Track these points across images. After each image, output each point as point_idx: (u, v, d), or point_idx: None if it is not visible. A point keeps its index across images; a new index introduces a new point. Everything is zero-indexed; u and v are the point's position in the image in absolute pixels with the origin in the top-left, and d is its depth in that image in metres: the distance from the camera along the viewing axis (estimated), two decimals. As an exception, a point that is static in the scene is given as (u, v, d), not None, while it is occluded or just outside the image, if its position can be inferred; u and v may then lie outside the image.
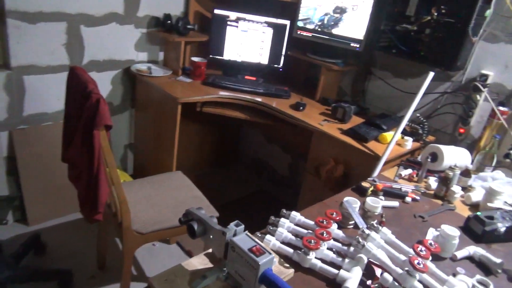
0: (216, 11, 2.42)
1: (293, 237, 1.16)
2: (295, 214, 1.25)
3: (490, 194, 1.51)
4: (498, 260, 1.21)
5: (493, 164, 1.74)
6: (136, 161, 2.71)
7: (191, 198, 1.87)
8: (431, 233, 1.29)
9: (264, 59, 2.51)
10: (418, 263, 1.01)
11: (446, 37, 1.85)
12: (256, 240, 0.96)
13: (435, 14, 1.85)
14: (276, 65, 2.53)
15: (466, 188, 1.63)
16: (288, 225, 1.21)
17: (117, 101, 2.46)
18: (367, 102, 2.38)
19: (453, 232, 1.23)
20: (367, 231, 1.13)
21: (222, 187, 2.95)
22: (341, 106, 2.05)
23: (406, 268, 1.03)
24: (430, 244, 1.11)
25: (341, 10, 2.22)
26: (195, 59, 2.41)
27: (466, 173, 1.66)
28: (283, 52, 2.48)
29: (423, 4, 1.89)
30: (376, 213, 1.32)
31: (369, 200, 1.33)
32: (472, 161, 1.79)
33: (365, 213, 1.32)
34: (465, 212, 1.52)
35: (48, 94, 2.13)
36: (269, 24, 2.43)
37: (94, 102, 1.34)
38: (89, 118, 1.37)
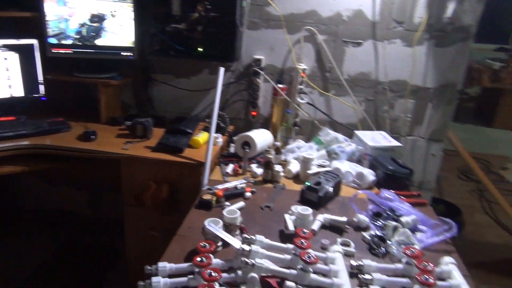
0: None
1: (179, 293, 0.98)
2: (163, 265, 1.06)
3: (305, 162, 1.69)
4: (343, 218, 1.37)
5: (293, 135, 1.95)
6: None
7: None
8: (288, 219, 1.33)
9: (17, 91, 2.00)
10: (309, 257, 1.01)
11: (218, 32, 1.90)
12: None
13: (202, 10, 1.86)
14: (35, 95, 2.05)
15: (281, 164, 1.77)
16: (164, 281, 1.01)
17: None
18: (156, 110, 2.25)
19: (306, 210, 1.31)
20: (247, 248, 1.06)
21: (15, 261, 2.29)
22: (139, 123, 1.86)
23: (299, 266, 1.02)
24: (304, 232, 1.14)
25: (99, 19, 1.96)
26: None
27: (277, 151, 1.80)
28: (40, 78, 2.03)
29: (186, 2, 1.87)
30: (238, 224, 1.26)
31: (226, 213, 1.26)
32: (276, 137, 1.96)
33: (227, 228, 1.25)
34: (294, 186, 1.65)
35: None
36: (11, 48, 1.93)
37: None
38: None
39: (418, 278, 1.02)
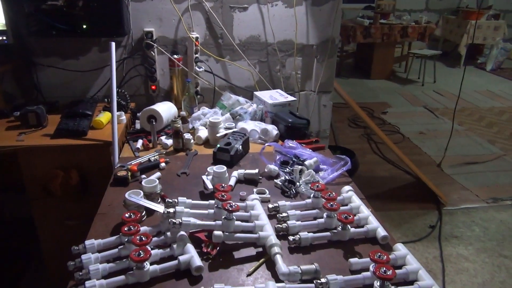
0: None
1: (112, 264, 1.00)
2: (91, 242, 1.06)
3: (212, 127, 1.76)
4: (255, 171, 1.48)
5: (196, 103, 1.99)
6: None
7: None
8: (206, 179, 1.40)
9: None
10: (231, 206, 1.10)
11: (101, 5, 1.82)
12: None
13: (80, -16, 1.76)
14: None
15: (190, 133, 1.81)
16: (95, 256, 1.02)
17: None
18: (46, 96, 2.09)
19: (221, 169, 1.39)
20: (171, 210, 1.12)
21: None
22: (30, 111, 1.73)
23: (224, 217, 1.11)
24: (222, 186, 1.22)
25: (-42, 1, 1.73)
26: None
27: (184, 120, 1.83)
28: None
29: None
30: (158, 191, 1.30)
31: (145, 182, 1.29)
32: (180, 108, 1.99)
33: (148, 197, 1.27)
34: (205, 151, 1.72)
35: None
36: None
37: None
38: None
39: (325, 206, 1.18)
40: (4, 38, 1.84)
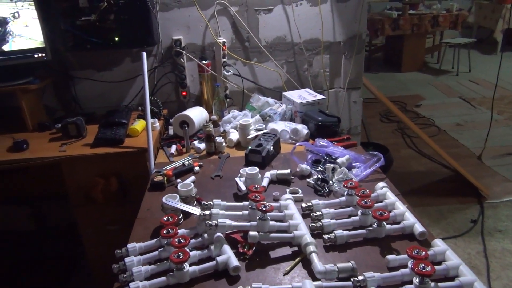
0: None
1: (153, 266, 1.04)
2: (133, 246, 1.11)
3: (243, 129, 1.78)
4: (288, 171, 1.49)
5: (226, 106, 2.02)
6: None
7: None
8: (239, 181, 1.43)
9: None
10: (265, 206, 1.12)
11: (131, 17, 1.88)
12: None
13: (110, -1, 1.83)
14: None
15: (221, 136, 1.85)
16: (137, 259, 1.06)
17: None
18: (84, 108, 2.19)
19: (253, 170, 1.41)
20: (207, 212, 1.14)
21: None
22: (70, 123, 1.82)
23: (258, 217, 1.13)
24: (255, 187, 1.24)
25: (0, 23, 1.84)
26: None
27: (215, 124, 1.87)
28: None
29: (91, -8, 1.83)
30: (193, 195, 1.33)
31: (181, 186, 1.33)
32: (211, 112, 2.02)
33: (184, 201, 1.31)
34: (237, 153, 1.75)
35: None
36: None
37: None
38: None
39: (359, 203, 1.18)
40: (43, 54, 1.94)
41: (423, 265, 0.90)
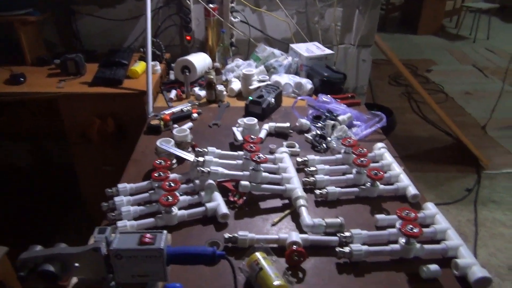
0: None
1: (142, 207, 1.05)
2: (123, 186, 1.11)
3: (245, 79, 1.74)
4: (287, 124, 1.47)
5: (231, 54, 1.96)
6: None
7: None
8: (236, 131, 1.41)
9: None
10: (259, 157, 1.11)
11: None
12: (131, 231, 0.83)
13: None
14: None
15: (223, 84, 1.80)
16: (127, 199, 1.07)
17: None
18: (85, 45, 2.13)
19: (252, 120, 1.39)
20: (201, 159, 1.13)
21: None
22: (69, 59, 1.77)
23: (251, 168, 1.12)
24: (251, 138, 1.22)
25: None
26: None
27: (218, 71, 1.82)
28: None
29: None
30: (189, 141, 1.32)
31: (176, 132, 1.31)
32: (213, 59, 1.97)
33: (179, 146, 1.30)
34: (237, 103, 1.71)
35: None
36: None
37: None
38: None
39: (355, 161, 1.16)
40: (44, -15, 1.86)
41: (411, 226, 0.90)
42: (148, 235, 0.76)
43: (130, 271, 0.77)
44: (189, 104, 1.66)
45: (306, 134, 1.44)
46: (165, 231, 0.78)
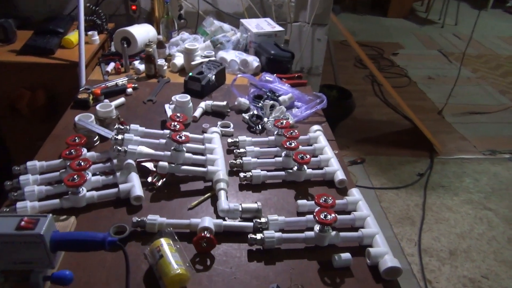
0: None
1: (49, 187, 0.97)
2: (33, 163, 1.03)
3: (188, 53, 1.65)
4: (224, 103, 1.40)
5: (176, 27, 1.86)
6: None
7: None
8: (168, 108, 1.34)
9: None
10: (180, 137, 1.04)
11: None
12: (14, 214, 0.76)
13: None
14: None
15: (166, 59, 1.71)
16: (34, 178, 0.99)
17: None
18: (20, 9, 1.97)
19: (184, 97, 1.32)
20: (119, 137, 1.06)
21: None
22: (-4, 24, 1.64)
23: (172, 148, 1.06)
24: (177, 116, 1.15)
25: None
26: None
27: (160, 45, 1.72)
28: None
29: None
30: (114, 117, 1.24)
31: (99, 107, 1.23)
32: (159, 32, 1.86)
33: (103, 122, 1.22)
34: (179, 79, 1.63)
35: None
36: None
37: None
38: None
39: (284, 144, 1.12)
40: None
41: (325, 213, 0.87)
42: (26, 218, 0.69)
43: (10, 257, 0.71)
44: (126, 78, 1.56)
45: (243, 114, 1.38)
46: (49, 215, 0.72)
